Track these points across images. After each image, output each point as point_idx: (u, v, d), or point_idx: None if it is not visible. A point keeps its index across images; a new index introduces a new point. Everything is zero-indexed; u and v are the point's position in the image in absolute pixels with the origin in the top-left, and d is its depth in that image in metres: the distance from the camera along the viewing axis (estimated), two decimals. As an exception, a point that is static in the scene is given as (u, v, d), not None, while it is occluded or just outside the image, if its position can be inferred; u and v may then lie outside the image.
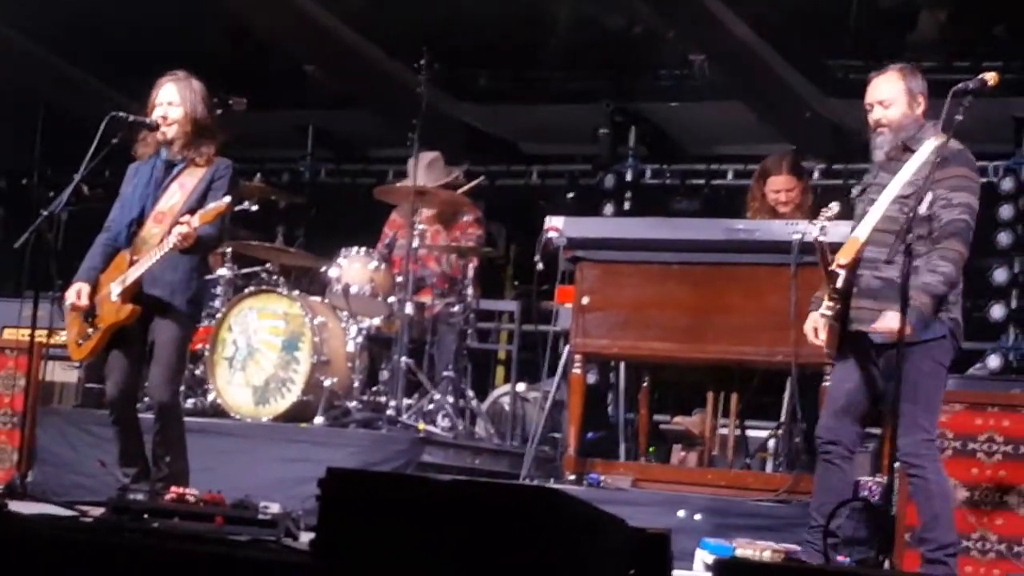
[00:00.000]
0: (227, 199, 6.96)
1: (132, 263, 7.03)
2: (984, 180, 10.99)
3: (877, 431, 8.72)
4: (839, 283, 6.28)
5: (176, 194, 7.10)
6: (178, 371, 7.23)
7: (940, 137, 6.33)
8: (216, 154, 7.18)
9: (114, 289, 7.03)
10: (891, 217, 6.26)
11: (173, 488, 6.79)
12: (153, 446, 7.14)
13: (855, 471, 6.66)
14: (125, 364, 7.13)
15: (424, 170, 9.59)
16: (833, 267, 6.26)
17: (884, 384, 6.36)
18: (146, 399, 8.02)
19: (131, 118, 7.20)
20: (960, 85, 6.23)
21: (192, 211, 6.96)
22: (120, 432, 7.15)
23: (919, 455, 6.24)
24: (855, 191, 6.69)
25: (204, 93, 7.25)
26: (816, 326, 6.44)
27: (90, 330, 7.08)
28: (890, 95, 6.52)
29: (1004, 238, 10.87)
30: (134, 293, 7.00)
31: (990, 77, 6.28)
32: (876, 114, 6.57)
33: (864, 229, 6.32)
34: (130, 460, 7.15)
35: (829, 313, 6.33)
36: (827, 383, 6.90)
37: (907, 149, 6.44)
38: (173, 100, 7.15)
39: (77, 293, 7.07)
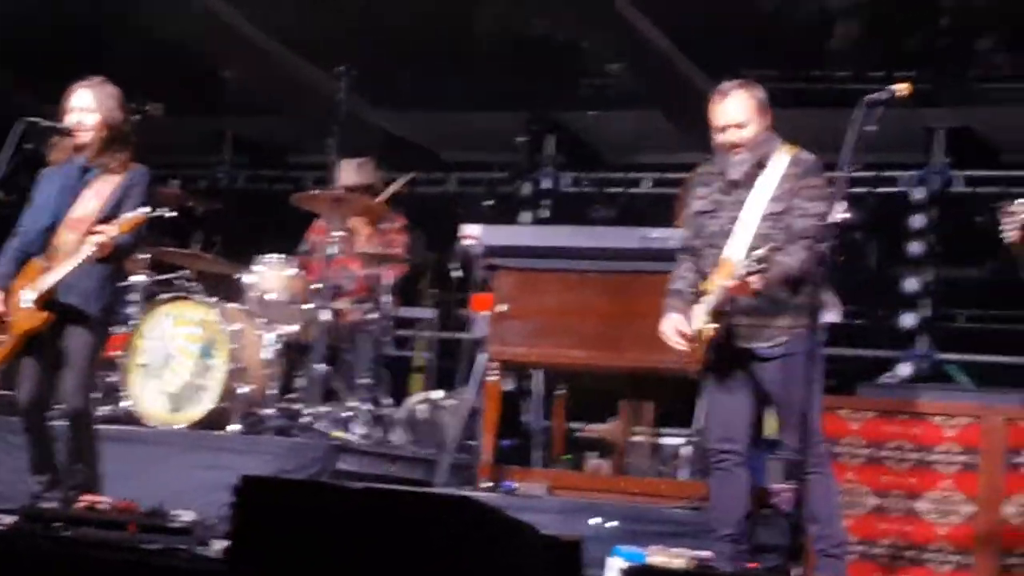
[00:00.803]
0: (145, 209, 6.92)
1: (46, 270, 6.97)
2: (896, 190, 11.24)
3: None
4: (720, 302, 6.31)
5: (91, 201, 7.04)
6: (90, 377, 7.18)
7: (790, 148, 6.42)
8: (131, 160, 7.14)
9: (26, 296, 6.95)
10: (764, 235, 6.31)
11: (85, 496, 6.76)
12: (66, 453, 7.08)
13: (749, 477, 6.66)
14: (36, 371, 7.06)
15: (355, 170, 9.63)
16: (733, 290, 6.26)
17: (770, 393, 6.40)
18: (58, 406, 7.96)
19: (44, 123, 7.14)
20: (872, 96, 6.28)
21: (108, 219, 6.91)
22: (31, 439, 7.09)
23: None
24: (696, 207, 6.64)
25: (120, 98, 7.20)
26: (679, 328, 6.45)
27: (2, 337, 7.01)
28: (744, 115, 6.54)
29: (915, 247, 11.00)
30: (47, 300, 6.95)
31: (902, 88, 6.33)
32: (731, 136, 6.57)
33: (738, 248, 6.35)
34: (41, 468, 7.09)
35: (712, 332, 6.34)
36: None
37: (760, 165, 6.50)
38: (88, 106, 7.09)
39: None
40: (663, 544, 6.83)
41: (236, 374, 8.84)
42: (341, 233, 9.34)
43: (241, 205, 12.34)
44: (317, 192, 9.65)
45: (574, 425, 8.82)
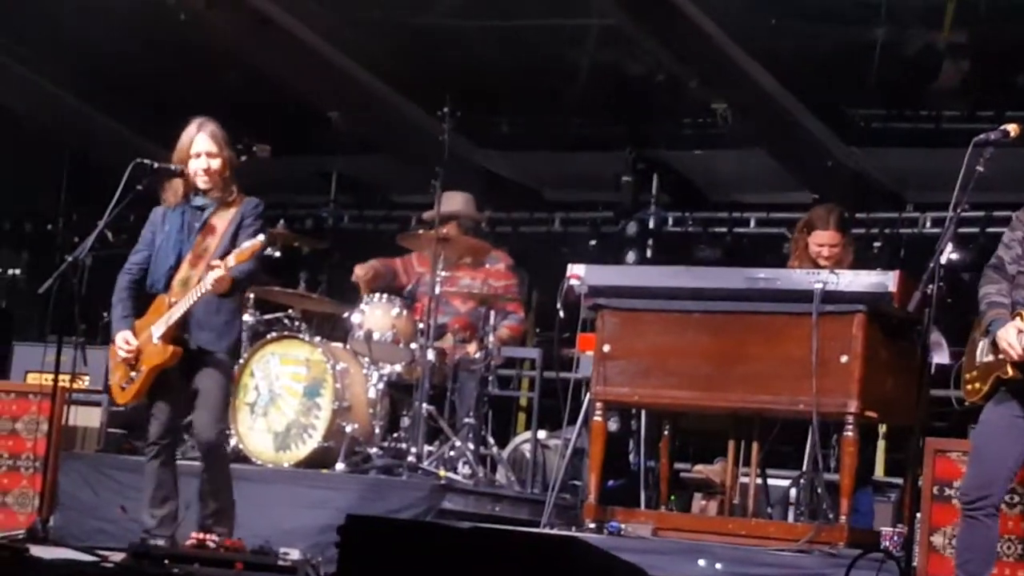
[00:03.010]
0: (261, 237, 7.08)
1: (171, 305, 7.11)
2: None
3: (899, 481, 8.72)
4: None
5: (209, 237, 7.22)
6: (224, 412, 7.34)
7: None
8: (241, 192, 7.26)
9: (155, 332, 7.12)
10: None
11: (194, 534, 6.83)
12: (200, 485, 7.22)
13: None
14: (168, 406, 7.24)
15: (460, 201, 9.71)
16: None
17: None
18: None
19: (156, 165, 7.26)
20: (981, 136, 6.22)
21: (227, 253, 7.06)
22: (157, 472, 7.20)
23: None
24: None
25: (225, 135, 7.33)
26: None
27: (133, 373, 7.18)
28: None
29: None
30: (174, 335, 7.07)
31: (1012, 128, 6.27)
32: None
33: None
34: (161, 502, 7.19)
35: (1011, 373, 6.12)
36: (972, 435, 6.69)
37: None
38: (211, 151, 7.25)
39: (125, 341, 7.16)
40: (770, 587, 6.79)
41: (341, 413, 8.88)
42: (448, 274, 9.38)
43: (346, 244, 12.39)
44: (421, 232, 9.70)
45: (680, 465, 8.76)
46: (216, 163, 7.24)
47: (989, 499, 6.16)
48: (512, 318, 9.82)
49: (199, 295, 7.01)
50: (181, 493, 7.26)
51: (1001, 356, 6.13)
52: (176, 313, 7.08)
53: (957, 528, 6.42)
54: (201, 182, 7.24)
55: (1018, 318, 6.13)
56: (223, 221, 7.22)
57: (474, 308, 9.73)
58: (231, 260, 6.95)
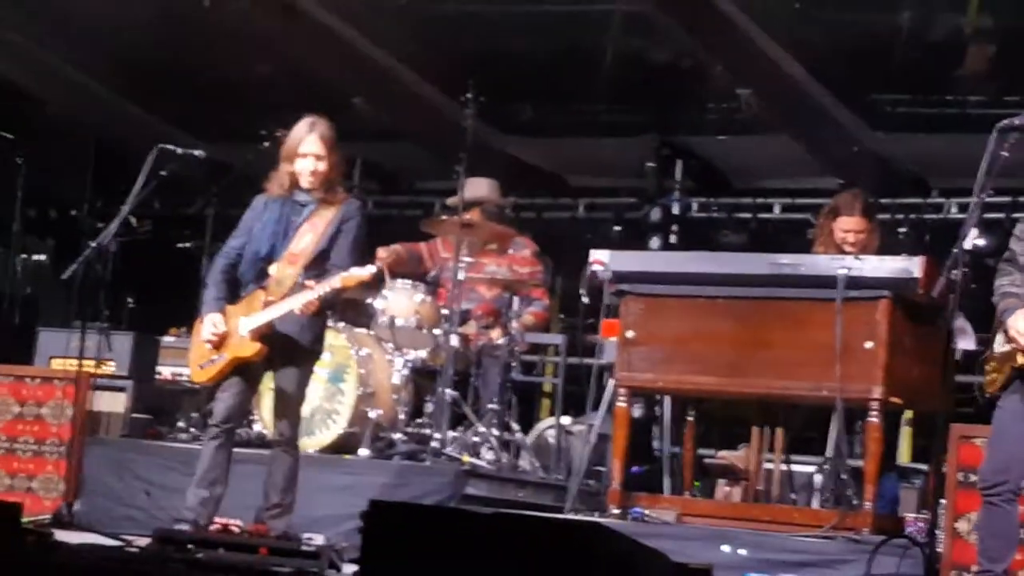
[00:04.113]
0: (371, 269, 7.18)
1: (266, 304, 7.13)
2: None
3: (924, 467, 8.69)
4: None
5: (307, 235, 7.24)
6: (299, 403, 7.39)
7: None
8: (346, 193, 7.38)
9: (244, 324, 7.16)
10: None
11: (218, 519, 6.85)
12: (268, 478, 7.26)
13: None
14: (239, 391, 7.28)
15: (485, 187, 9.71)
16: None
17: None
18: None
19: (179, 150, 7.28)
20: (1006, 121, 6.18)
21: (323, 253, 7.15)
22: (213, 454, 7.21)
23: None
24: None
25: (335, 136, 7.40)
26: None
27: (215, 357, 7.21)
28: None
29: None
30: (263, 333, 7.10)
31: (1037, 112, 6.24)
32: None
33: None
34: (209, 484, 7.19)
35: None
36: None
37: None
38: (320, 153, 7.27)
39: (213, 324, 7.20)
40: (794, 573, 6.78)
41: (365, 399, 8.89)
42: (473, 260, 9.38)
43: (370, 230, 12.37)
44: (445, 218, 9.70)
45: (704, 452, 8.75)
46: (323, 165, 7.27)
47: (1007, 484, 6.15)
48: (536, 304, 9.82)
49: (288, 310, 7.07)
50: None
51: (1014, 345, 6.12)
52: (267, 316, 7.12)
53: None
54: (306, 182, 7.26)
55: None
56: (323, 220, 7.25)
57: (499, 294, 9.73)
58: (338, 280, 7.00)
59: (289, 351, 7.21)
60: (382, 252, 9.69)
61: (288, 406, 7.28)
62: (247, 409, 7.67)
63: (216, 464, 7.22)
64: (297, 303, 7.03)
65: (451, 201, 9.89)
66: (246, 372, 7.26)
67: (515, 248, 9.88)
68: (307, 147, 7.27)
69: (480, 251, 9.64)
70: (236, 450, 7.52)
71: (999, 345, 6.26)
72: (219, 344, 7.19)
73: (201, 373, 7.33)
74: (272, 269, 7.21)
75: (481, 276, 9.62)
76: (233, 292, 7.31)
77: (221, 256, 7.39)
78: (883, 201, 11.02)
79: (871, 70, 10.63)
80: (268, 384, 8.97)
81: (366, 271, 7.12)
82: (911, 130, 11.07)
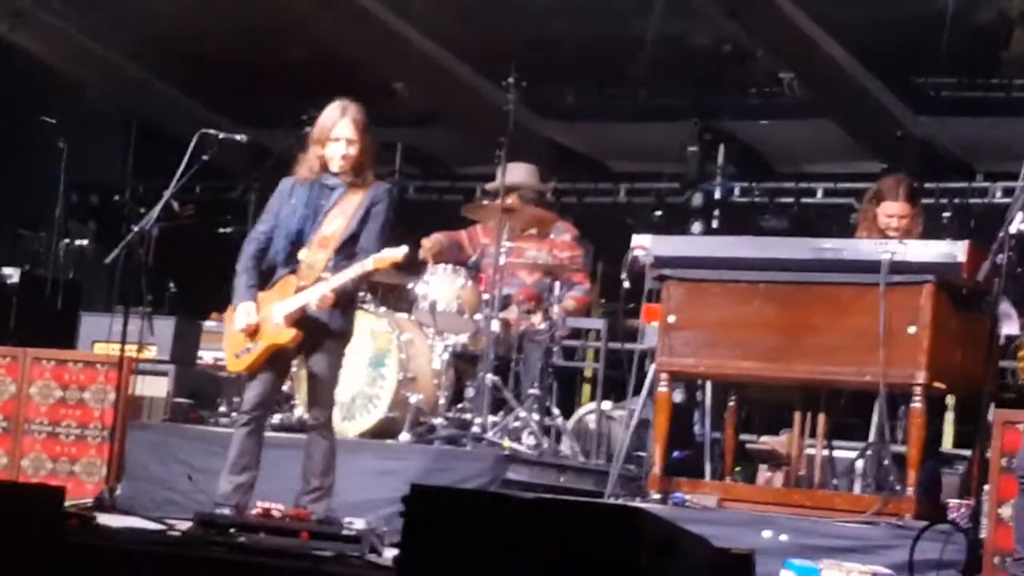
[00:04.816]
0: (403, 250, 7.12)
1: (299, 290, 7.13)
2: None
3: (967, 453, 8.64)
4: None
5: (337, 219, 7.21)
6: (333, 387, 7.38)
7: None
8: (375, 177, 7.33)
9: (278, 310, 7.15)
10: None
11: (260, 503, 6.86)
12: (306, 461, 7.25)
13: None
14: (269, 378, 7.29)
15: (524, 172, 9.69)
16: None
17: None
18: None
19: (221, 135, 7.27)
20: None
21: (353, 237, 7.15)
22: (243, 440, 7.23)
23: None
24: None
25: (367, 120, 7.37)
26: None
27: (250, 345, 7.20)
28: None
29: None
30: (298, 319, 7.12)
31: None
32: None
33: None
34: (241, 470, 7.21)
35: None
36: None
37: None
38: (352, 138, 7.24)
39: (247, 312, 7.19)
40: (835, 559, 6.74)
41: (406, 384, 8.89)
42: (514, 244, 9.36)
43: (411, 215, 12.39)
44: (486, 202, 9.69)
45: (745, 437, 8.72)
46: (354, 149, 7.23)
47: None
48: (577, 289, 9.80)
49: (319, 295, 7.05)
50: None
51: None
52: (300, 302, 7.10)
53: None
54: (336, 165, 7.23)
55: None
56: (352, 204, 7.22)
57: (540, 279, 9.71)
58: (370, 263, 7.02)
59: (320, 336, 7.20)
60: (426, 242, 9.69)
61: (322, 390, 7.28)
62: (277, 395, 7.68)
63: (246, 450, 7.23)
64: (311, 300, 7.04)
65: (490, 186, 9.89)
66: (278, 359, 7.26)
67: (555, 233, 9.86)
68: (339, 131, 7.25)
69: (520, 236, 9.62)
70: (278, 435, 7.56)
71: None
72: (253, 332, 7.20)
73: (238, 362, 7.32)
74: (302, 254, 7.20)
75: (521, 261, 9.60)
76: (263, 278, 7.31)
77: (249, 242, 7.36)
78: (927, 185, 10.95)
79: (915, 53, 10.58)
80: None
81: (398, 252, 7.10)
82: (956, 114, 11.01)
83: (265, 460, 7.41)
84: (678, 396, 8.98)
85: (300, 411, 9.01)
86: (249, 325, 7.17)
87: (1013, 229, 6.13)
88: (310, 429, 7.34)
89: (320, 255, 7.17)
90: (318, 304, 7.05)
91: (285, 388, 9.15)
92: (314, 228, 7.22)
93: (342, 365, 7.45)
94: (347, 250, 7.19)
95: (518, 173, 9.68)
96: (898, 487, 7.52)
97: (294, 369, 8.15)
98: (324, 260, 7.16)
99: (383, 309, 9.20)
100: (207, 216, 12.12)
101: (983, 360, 6.49)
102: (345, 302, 7.23)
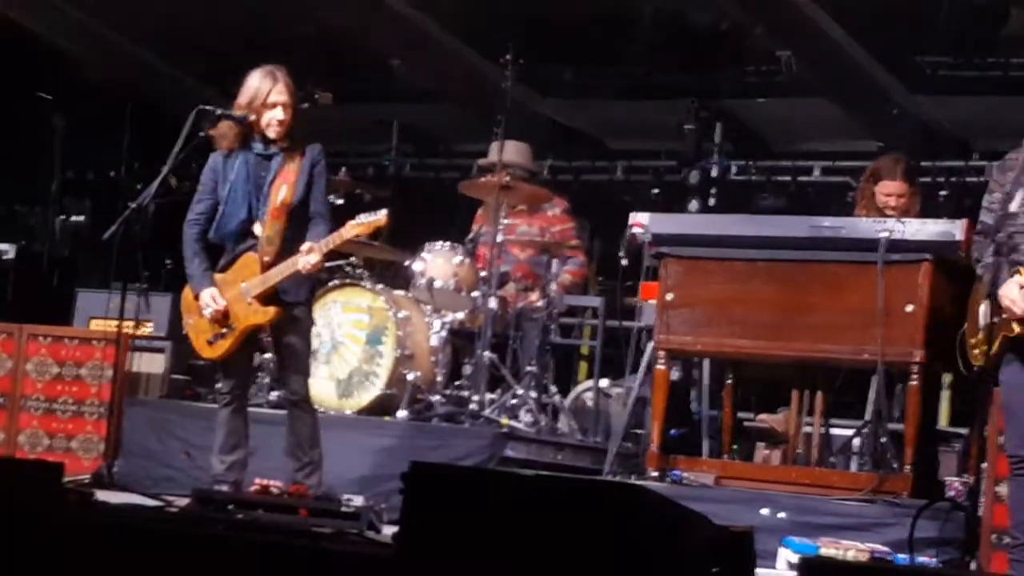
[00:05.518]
0: (383, 213, 7.14)
1: (266, 267, 7.11)
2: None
3: (964, 431, 8.65)
4: None
5: (282, 188, 7.18)
6: (308, 360, 7.42)
7: None
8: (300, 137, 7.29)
9: (248, 290, 7.13)
10: None
11: (258, 480, 6.86)
12: (289, 438, 7.25)
13: None
14: (246, 355, 7.36)
15: (514, 150, 9.67)
16: None
17: None
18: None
19: (219, 111, 7.24)
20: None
21: (303, 202, 7.12)
22: (229, 419, 7.24)
23: None
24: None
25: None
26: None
27: (224, 330, 7.18)
28: None
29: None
30: (270, 295, 7.11)
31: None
32: None
33: None
34: (231, 449, 7.25)
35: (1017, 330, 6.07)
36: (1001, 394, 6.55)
37: None
38: (287, 102, 7.21)
39: (212, 299, 7.18)
40: (833, 536, 6.76)
41: (403, 361, 8.89)
42: (507, 221, 9.35)
43: (408, 193, 12.40)
44: (484, 179, 9.68)
45: (743, 415, 8.73)
46: (288, 114, 7.21)
47: None
48: (572, 263, 9.79)
49: (294, 270, 7.05)
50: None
51: (1005, 315, 6.07)
52: (275, 278, 7.10)
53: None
54: (273, 132, 7.21)
55: (1017, 274, 6.06)
56: (292, 171, 7.19)
57: (533, 255, 9.72)
58: (350, 230, 7.06)
59: (288, 308, 7.19)
60: None
61: (298, 361, 7.26)
62: (253, 371, 7.70)
63: (234, 429, 7.25)
64: (304, 265, 7.02)
65: (482, 162, 9.90)
66: (251, 336, 7.27)
67: (546, 207, 9.86)
68: (276, 96, 7.18)
69: (510, 212, 9.61)
70: (276, 412, 7.54)
71: (985, 317, 6.22)
72: (223, 316, 7.18)
73: (212, 349, 7.28)
74: (257, 229, 7.18)
75: (514, 238, 9.60)
76: (211, 259, 7.30)
77: (191, 225, 7.30)
78: (924, 164, 10.95)
79: (912, 32, 10.55)
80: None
81: (377, 216, 7.10)
82: (953, 92, 10.99)
83: (261, 437, 7.43)
84: (675, 374, 8.98)
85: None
86: (217, 311, 7.15)
87: (1011, 208, 6.13)
88: (290, 404, 7.29)
89: (276, 226, 7.14)
90: (309, 270, 7.04)
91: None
92: (264, 201, 7.17)
93: (311, 331, 7.44)
94: (300, 216, 7.17)
95: (508, 152, 9.65)
96: (895, 465, 7.53)
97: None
98: (280, 231, 7.13)
99: (380, 286, 9.20)
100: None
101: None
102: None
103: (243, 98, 7.22)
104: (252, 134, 7.22)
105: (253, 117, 7.18)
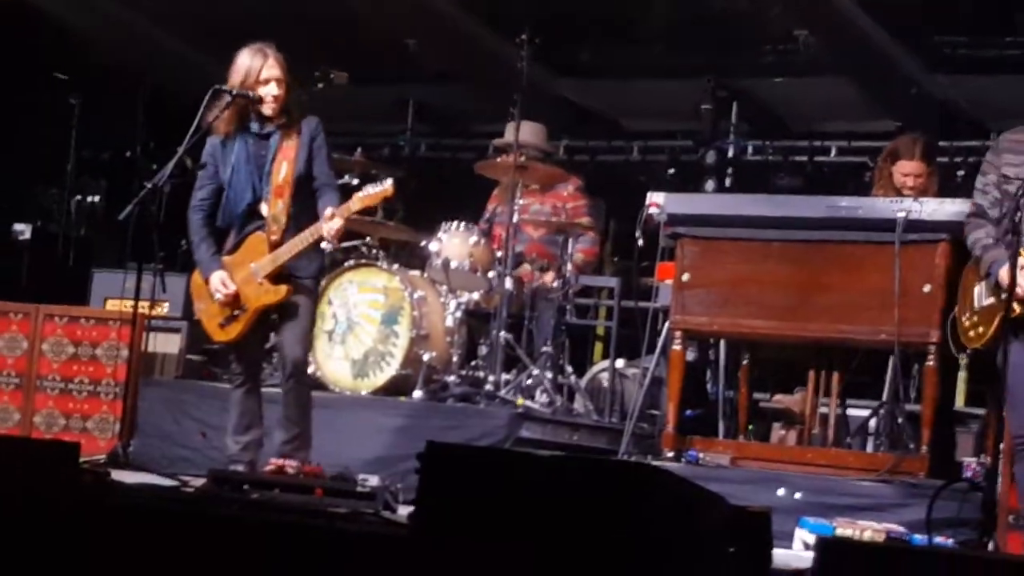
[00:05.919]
0: (388, 183, 7.11)
1: (274, 245, 7.10)
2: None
3: (980, 411, 8.63)
4: None
5: (283, 165, 7.16)
6: (310, 334, 7.40)
7: None
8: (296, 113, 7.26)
9: (258, 270, 7.12)
10: None
11: (274, 460, 6.86)
12: (282, 410, 7.22)
13: None
14: (259, 334, 7.35)
15: (530, 130, 9.65)
16: None
17: None
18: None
19: (234, 91, 7.22)
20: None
21: (305, 177, 7.09)
22: (242, 399, 7.24)
23: None
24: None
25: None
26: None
27: (236, 312, 7.18)
28: None
29: None
30: (280, 273, 7.11)
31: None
32: None
33: None
34: (245, 429, 7.25)
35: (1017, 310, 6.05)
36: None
37: None
38: (280, 77, 7.19)
39: (222, 283, 7.17)
40: (849, 517, 6.75)
41: (419, 341, 8.89)
42: (521, 201, 9.34)
43: (423, 173, 12.38)
44: (499, 160, 9.66)
45: (759, 395, 8.71)
46: (283, 89, 7.19)
47: None
48: (583, 240, 9.76)
49: (312, 240, 7.04)
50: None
51: (1004, 296, 6.03)
52: (286, 255, 7.09)
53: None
54: (269, 109, 7.18)
55: (1019, 256, 6.03)
56: (291, 147, 7.17)
57: (546, 234, 9.71)
58: (356, 203, 7.02)
59: (294, 285, 7.17)
60: None
61: (304, 336, 7.23)
62: (265, 351, 7.70)
63: (248, 410, 7.25)
64: (327, 233, 6.98)
65: (497, 142, 9.89)
66: (262, 315, 7.25)
67: (559, 185, 9.86)
68: (268, 72, 7.17)
69: (524, 192, 9.60)
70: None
71: (981, 298, 6.20)
72: (234, 299, 7.17)
73: (224, 332, 7.28)
74: (263, 209, 7.17)
75: (527, 217, 9.59)
76: (218, 243, 7.29)
77: (195, 211, 7.31)
78: (942, 144, 10.90)
79: (931, 11, 10.50)
80: (321, 327, 9.03)
81: (385, 186, 7.09)
82: (970, 72, 10.95)
83: (275, 418, 7.39)
84: (691, 354, 8.97)
85: (312, 368, 9.01)
86: (228, 294, 7.14)
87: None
88: (290, 377, 7.20)
89: (281, 205, 7.12)
90: (333, 236, 7.00)
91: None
92: (267, 181, 7.16)
93: (316, 305, 7.45)
94: (304, 191, 7.15)
95: (524, 132, 9.64)
96: (911, 445, 7.52)
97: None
98: (286, 208, 7.11)
99: (396, 266, 9.19)
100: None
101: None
102: (315, 249, 7.21)
103: (235, 77, 7.21)
104: (248, 115, 7.19)
105: (258, 95, 7.16)
